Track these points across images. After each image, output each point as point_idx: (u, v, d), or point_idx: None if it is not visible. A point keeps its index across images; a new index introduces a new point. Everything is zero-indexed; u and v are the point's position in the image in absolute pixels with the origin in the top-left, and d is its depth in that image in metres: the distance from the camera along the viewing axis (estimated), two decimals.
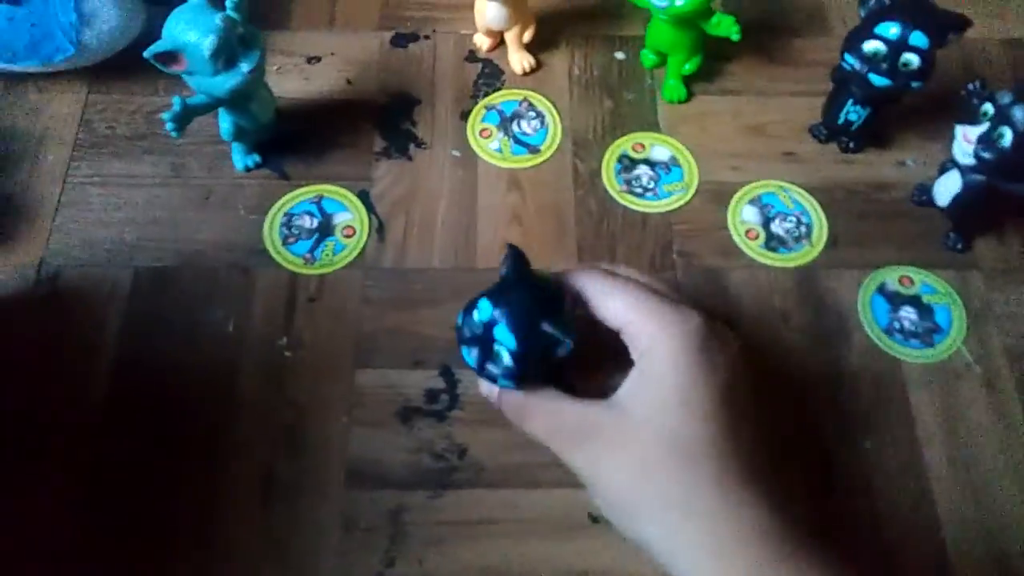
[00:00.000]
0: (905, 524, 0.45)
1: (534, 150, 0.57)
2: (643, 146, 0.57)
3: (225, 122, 0.52)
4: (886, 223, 0.54)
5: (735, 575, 0.32)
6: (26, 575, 0.43)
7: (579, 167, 0.56)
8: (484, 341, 0.36)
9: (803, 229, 0.54)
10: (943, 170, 0.52)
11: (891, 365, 0.49)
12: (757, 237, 0.53)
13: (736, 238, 0.53)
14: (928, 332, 0.50)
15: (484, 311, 0.36)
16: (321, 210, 0.54)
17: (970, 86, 0.48)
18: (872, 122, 0.54)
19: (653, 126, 0.58)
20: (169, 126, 0.48)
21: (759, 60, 0.61)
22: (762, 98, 0.59)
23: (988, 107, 0.47)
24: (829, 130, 0.57)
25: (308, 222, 0.53)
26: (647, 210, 0.54)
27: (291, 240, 0.53)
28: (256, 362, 0.49)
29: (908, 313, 0.50)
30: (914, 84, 0.50)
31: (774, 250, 0.53)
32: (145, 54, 0.46)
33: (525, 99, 0.59)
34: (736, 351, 0.36)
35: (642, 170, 0.56)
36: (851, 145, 0.56)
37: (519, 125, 0.58)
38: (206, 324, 0.50)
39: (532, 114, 0.58)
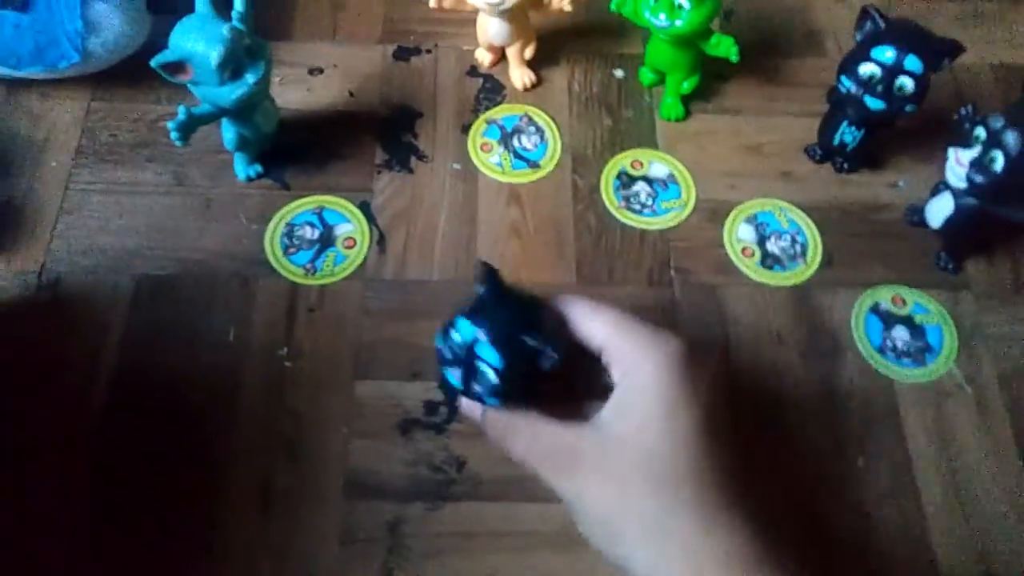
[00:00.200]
0: (896, 542, 0.45)
1: (534, 165, 0.57)
2: (641, 163, 0.58)
3: (228, 132, 0.53)
4: (879, 243, 0.55)
5: None
6: None
7: (578, 183, 0.57)
8: (467, 361, 0.35)
9: (798, 248, 0.54)
10: (935, 192, 0.53)
11: (884, 384, 0.50)
12: (753, 255, 0.54)
13: (732, 256, 0.54)
14: (920, 352, 0.51)
15: (464, 331, 0.35)
16: (322, 221, 0.54)
17: (963, 110, 0.49)
18: (866, 144, 0.55)
19: (651, 143, 0.59)
20: (174, 135, 0.49)
21: (756, 81, 0.62)
22: (759, 118, 0.60)
23: (980, 131, 0.48)
24: (824, 151, 0.58)
25: (309, 233, 0.54)
26: (645, 226, 0.55)
27: (292, 250, 0.53)
28: (256, 371, 0.49)
29: (900, 333, 0.51)
30: (908, 107, 0.51)
31: (770, 268, 0.54)
32: (152, 63, 0.47)
33: (525, 114, 0.60)
34: (716, 374, 0.37)
35: (640, 187, 0.57)
36: (846, 166, 0.57)
37: (519, 140, 0.58)
38: (207, 333, 0.50)
39: (532, 129, 0.59)
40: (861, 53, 0.51)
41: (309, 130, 0.58)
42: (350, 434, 0.47)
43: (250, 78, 0.49)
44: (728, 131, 0.59)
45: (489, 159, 0.57)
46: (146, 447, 0.46)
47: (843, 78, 0.52)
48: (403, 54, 0.62)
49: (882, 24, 0.51)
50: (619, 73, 0.62)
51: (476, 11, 0.57)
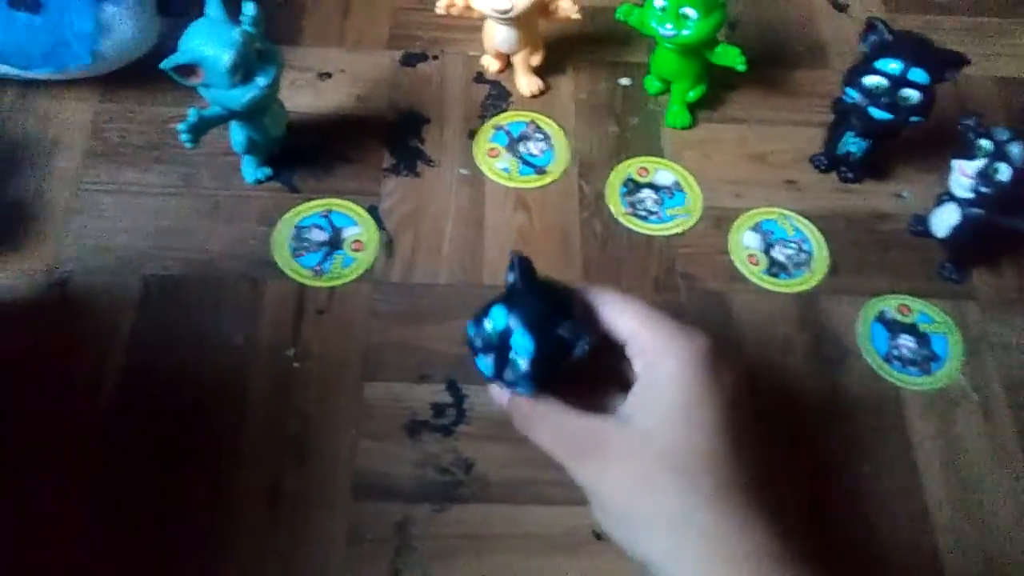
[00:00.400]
0: (903, 549, 0.46)
1: (541, 171, 0.58)
2: (647, 170, 0.58)
3: (237, 134, 0.53)
4: (885, 252, 0.55)
5: None
6: None
7: (585, 189, 0.57)
8: (499, 349, 0.36)
9: (804, 256, 0.55)
10: (939, 202, 0.53)
11: (890, 392, 0.50)
12: (759, 263, 0.54)
13: (738, 263, 0.54)
14: (926, 360, 0.51)
15: (498, 319, 0.36)
16: (331, 224, 0.54)
17: (968, 122, 0.50)
18: (871, 154, 0.56)
19: (657, 151, 0.59)
20: (184, 137, 0.49)
21: (762, 90, 0.62)
22: (764, 127, 0.61)
23: (985, 143, 0.48)
24: (829, 160, 0.58)
25: (317, 235, 0.54)
26: (651, 233, 0.55)
27: (300, 252, 0.53)
28: (264, 373, 0.49)
29: (906, 341, 0.52)
30: (913, 118, 0.52)
31: (775, 276, 0.54)
32: (163, 66, 0.47)
33: (532, 121, 0.60)
34: (741, 374, 0.37)
35: (646, 194, 0.57)
36: (850, 175, 0.58)
37: (526, 146, 0.59)
38: (215, 334, 0.50)
39: (539, 136, 0.59)
40: (866, 65, 0.52)
41: (317, 134, 0.58)
42: (358, 435, 0.47)
43: (261, 81, 0.49)
44: (734, 140, 0.60)
45: (496, 165, 0.58)
46: (153, 447, 0.46)
47: (848, 89, 0.53)
48: (411, 60, 0.63)
49: (888, 36, 0.51)
50: (625, 81, 0.63)
51: (483, 18, 0.58)
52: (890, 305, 0.53)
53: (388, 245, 0.54)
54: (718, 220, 0.56)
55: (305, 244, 0.53)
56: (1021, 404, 0.50)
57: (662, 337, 0.36)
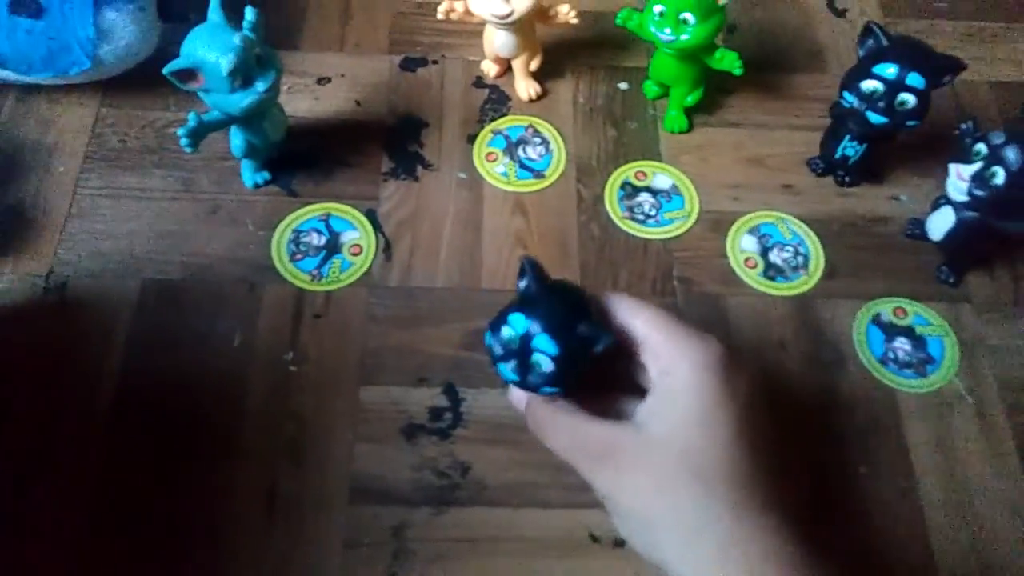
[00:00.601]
0: (898, 552, 0.46)
1: (539, 175, 0.58)
2: (645, 174, 0.58)
3: (237, 139, 0.53)
4: (881, 255, 0.55)
5: None
6: None
7: (583, 193, 0.57)
8: (520, 354, 0.36)
9: (800, 259, 0.55)
10: (936, 206, 0.53)
11: (886, 394, 0.50)
12: (756, 266, 0.55)
13: (735, 266, 0.54)
14: (922, 363, 0.51)
15: (517, 325, 0.36)
16: (329, 228, 0.55)
17: (964, 126, 0.50)
18: (868, 157, 0.56)
19: (655, 155, 0.59)
20: (184, 141, 0.49)
21: (759, 94, 0.62)
22: (761, 131, 0.61)
23: (981, 147, 0.49)
24: (826, 164, 0.58)
25: (316, 239, 0.54)
26: (648, 236, 0.56)
27: (298, 256, 0.53)
28: (262, 376, 0.49)
29: (902, 344, 0.52)
30: (910, 123, 0.52)
31: (772, 279, 0.54)
32: (164, 71, 0.47)
33: (531, 125, 0.60)
34: (754, 379, 0.37)
35: (644, 197, 0.57)
36: (847, 179, 0.58)
37: (524, 150, 0.59)
38: (213, 337, 0.50)
39: (537, 140, 0.60)
40: (863, 69, 0.52)
41: (316, 138, 0.58)
42: (355, 439, 0.47)
43: (260, 86, 0.49)
44: (731, 144, 0.60)
45: (494, 169, 0.58)
46: (151, 450, 0.47)
47: (845, 93, 0.53)
48: (410, 64, 0.63)
49: (885, 41, 0.52)
50: (623, 85, 0.63)
51: (483, 23, 0.58)
52: (886, 308, 0.53)
53: (386, 249, 0.54)
54: (715, 224, 0.56)
55: (303, 248, 0.54)
56: (1016, 406, 0.50)
57: (676, 343, 0.36)
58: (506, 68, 0.62)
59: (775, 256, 0.55)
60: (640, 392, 0.37)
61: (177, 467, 0.46)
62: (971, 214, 0.50)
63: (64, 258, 0.52)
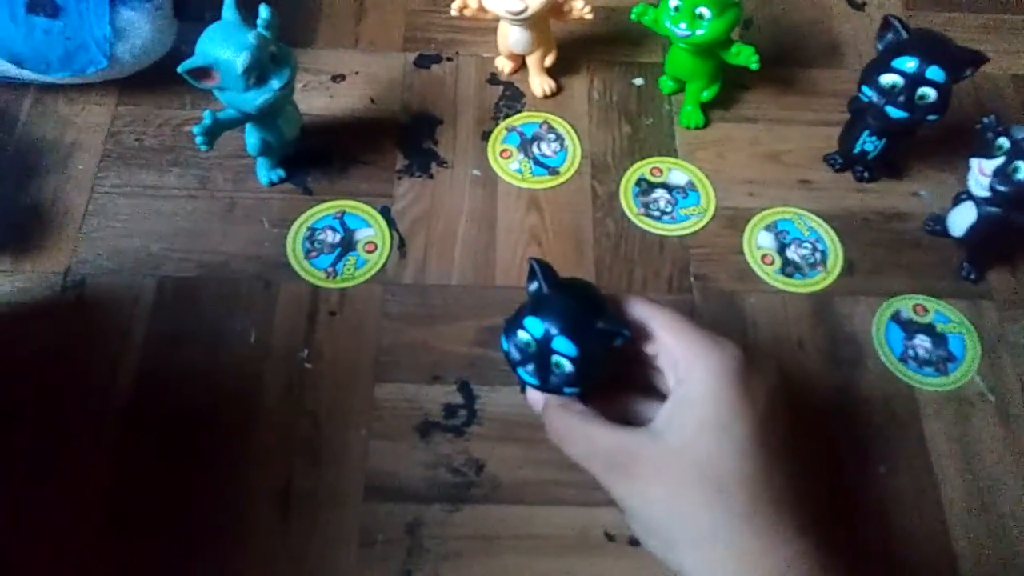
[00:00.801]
0: (919, 551, 0.45)
1: (553, 172, 0.58)
2: (661, 170, 0.58)
3: (252, 137, 0.53)
4: (900, 252, 0.55)
5: None
6: None
7: (598, 189, 0.57)
8: (539, 357, 0.36)
9: (818, 256, 0.54)
10: (957, 201, 0.53)
11: (905, 392, 0.50)
12: (773, 263, 0.54)
13: (752, 263, 0.54)
14: (942, 360, 0.50)
15: (534, 328, 0.36)
16: (343, 225, 0.55)
17: (986, 120, 0.49)
18: (887, 153, 0.55)
19: (671, 151, 0.59)
20: (199, 139, 0.49)
21: (776, 89, 0.62)
22: (778, 126, 0.60)
23: (1003, 141, 0.48)
24: (845, 159, 0.58)
25: (331, 237, 0.54)
26: (664, 233, 0.55)
27: (313, 254, 0.53)
28: (277, 373, 0.49)
29: (922, 341, 0.51)
30: (930, 117, 0.51)
31: (790, 276, 0.53)
32: (179, 69, 0.47)
33: (545, 121, 0.60)
34: (774, 386, 0.37)
35: (660, 194, 0.57)
36: (866, 175, 0.57)
37: (539, 147, 0.59)
38: (228, 335, 0.50)
39: (552, 136, 0.59)
40: (883, 63, 0.51)
41: (331, 136, 0.58)
42: (369, 436, 0.47)
43: (275, 84, 0.49)
44: (748, 139, 0.60)
45: (509, 166, 0.58)
46: (167, 447, 0.47)
47: (864, 87, 0.52)
48: (424, 62, 0.63)
49: (904, 34, 0.51)
50: (639, 81, 0.62)
51: (497, 20, 0.58)
52: (906, 305, 0.52)
53: (400, 246, 0.54)
54: (732, 220, 0.56)
55: (318, 246, 0.54)
56: None
57: (694, 350, 0.36)
58: (520, 64, 0.62)
59: (792, 253, 0.54)
60: (656, 393, 0.37)
61: (192, 464, 0.46)
62: (993, 209, 0.50)
63: (82, 256, 0.53)
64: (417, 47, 0.63)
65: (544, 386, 0.37)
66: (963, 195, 0.52)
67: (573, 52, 0.63)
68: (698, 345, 0.36)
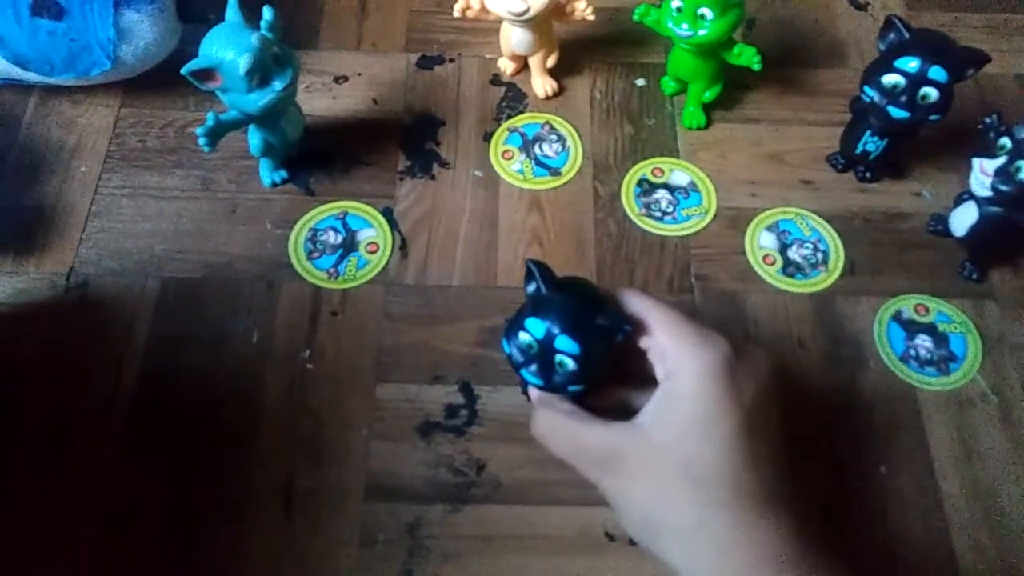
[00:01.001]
0: (918, 550, 0.45)
1: (555, 172, 0.58)
2: (662, 171, 0.58)
3: (254, 138, 0.53)
4: (902, 252, 0.55)
5: None
6: None
7: (599, 190, 0.57)
8: (542, 356, 0.36)
9: (820, 256, 0.54)
10: (959, 201, 0.53)
11: (907, 392, 0.49)
12: (774, 263, 0.54)
13: (753, 263, 0.54)
14: (944, 360, 0.50)
15: (536, 329, 0.36)
16: (345, 226, 0.55)
17: (988, 120, 0.49)
18: (889, 153, 0.55)
19: (673, 152, 0.59)
20: (202, 140, 0.49)
21: (778, 90, 0.62)
22: (780, 126, 0.60)
23: (1006, 141, 0.48)
24: (846, 159, 0.57)
25: (333, 237, 0.54)
26: (666, 233, 0.55)
27: (315, 255, 0.54)
28: (279, 374, 0.49)
29: (924, 341, 0.51)
30: (932, 117, 0.51)
31: (791, 276, 0.53)
32: (182, 71, 0.47)
33: (547, 122, 0.60)
34: (764, 380, 0.37)
35: (661, 194, 0.57)
36: (868, 175, 0.57)
37: (541, 148, 0.59)
38: (231, 335, 0.50)
39: (554, 137, 0.59)
40: (885, 63, 0.51)
41: (333, 137, 0.59)
42: (371, 436, 0.47)
43: (277, 85, 0.49)
44: (750, 140, 0.60)
45: (511, 166, 0.58)
46: (169, 447, 0.47)
47: (866, 88, 0.52)
48: (427, 63, 0.63)
49: (906, 34, 0.51)
50: (641, 82, 0.62)
51: (499, 21, 0.58)
52: (907, 305, 0.52)
53: (402, 247, 0.54)
54: (733, 220, 0.56)
55: (320, 246, 0.54)
56: None
57: (683, 345, 0.36)
58: (523, 65, 0.62)
59: (794, 253, 0.54)
60: (650, 381, 0.37)
61: (194, 464, 0.47)
62: (995, 209, 0.50)
63: (85, 257, 0.53)
64: (419, 48, 0.64)
65: (548, 386, 0.37)
66: (965, 195, 0.52)
67: (575, 53, 0.63)
68: (687, 340, 0.36)
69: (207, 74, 0.48)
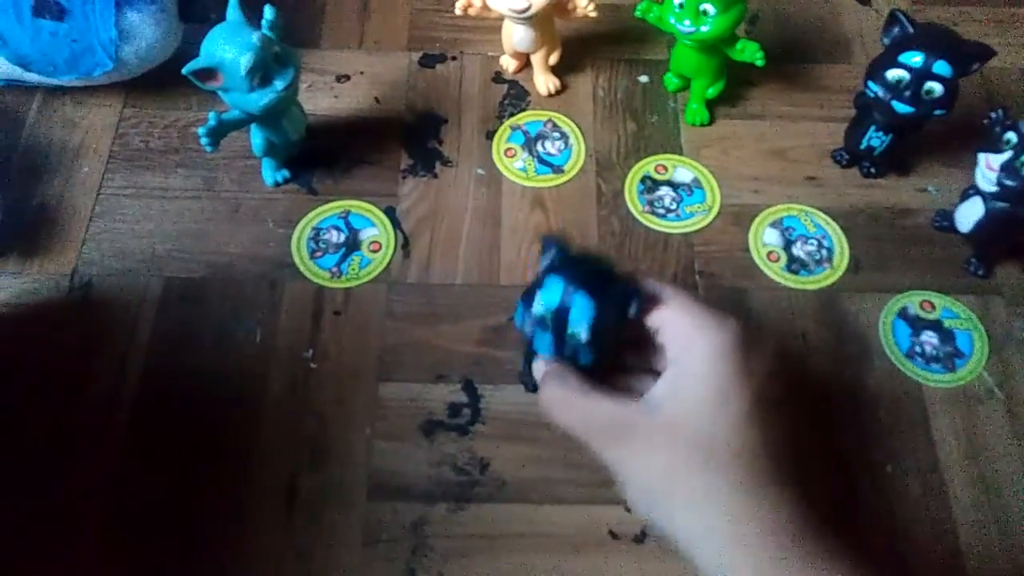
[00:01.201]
0: (925, 547, 0.45)
1: (558, 170, 0.58)
2: (666, 168, 0.58)
3: (257, 138, 0.53)
4: (907, 248, 0.54)
5: (757, 566, 0.33)
6: None
7: (602, 187, 0.57)
8: (556, 324, 0.37)
9: (824, 252, 0.54)
10: (964, 197, 0.52)
11: (912, 389, 0.49)
12: (778, 259, 0.54)
13: (757, 260, 0.54)
14: (950, 357, 0.50)
15: (551, 296, 0.36)
16: (348, 225, 0.55)
17: (993, 115, 0.49)
18: (894, 148, 0.55)
19: (676, 148, 0.59)
20: (204, 140, 0.49)
21: (782, 86, 0.61)
22: (784, 123, 0.60)
23: (1011, 135, 0.47)
24: (851, 155, 0.57)
25: (335, 237, 0.54)
26: (669, 230, 0.55)
27: (318, 254, 0.53)
28: (282, 373, 0.49)
29: (929, 337, 0.51)
30: (937, 112, 0.51)
31: (795, 273, 0.53)
32: (183, 71, 0.47)
33: (550, 120, 0.60)
34: (771, 361, 0.37)
35: (665, 191, 0.57)
36: (873, 170, 0.57)
37: (543, 145, 0.59)
38: (234, 334, 0.50)
39: (556, 135, 0.59)
40: (889, 58, 0.51)
41: (336, 136, 0.59)
42: (374, 435, 0.47)
43: (278, 84, 0.49)
44: (753, 136, 0.59)
45: (513, 164, 0.58)
46: (172, 447, 0.47)
47: (870, 83, 0.52)
48: (429, 61, 0.63)
49: (910, 29, 0.51)
50: (644, 79, 0.62)
51: (501, 18, 0.58)
52: (913, 301, 0.52)
53: (405, 246, 0.54)
54: (737, 217, 0.56)
55: (323, 246, 0.54)
56: None
57: (696, 324, 0.36)
58: (525, 63, 0.62)
59: (798, 249, 0.54)
60: (652, 374, 0.37)
61: (198, 463, 0.47)
62: (1001, 204, 0.49)
63: (88, 257, 0.53)
64: (422, 47, 0.64)
65: (560, 355, 0.37)
66: (971, 190, 0.51)
67: (577, 50, 0.62)
68: (700, 320, 0.36)
69: (208, 74, 0.48)
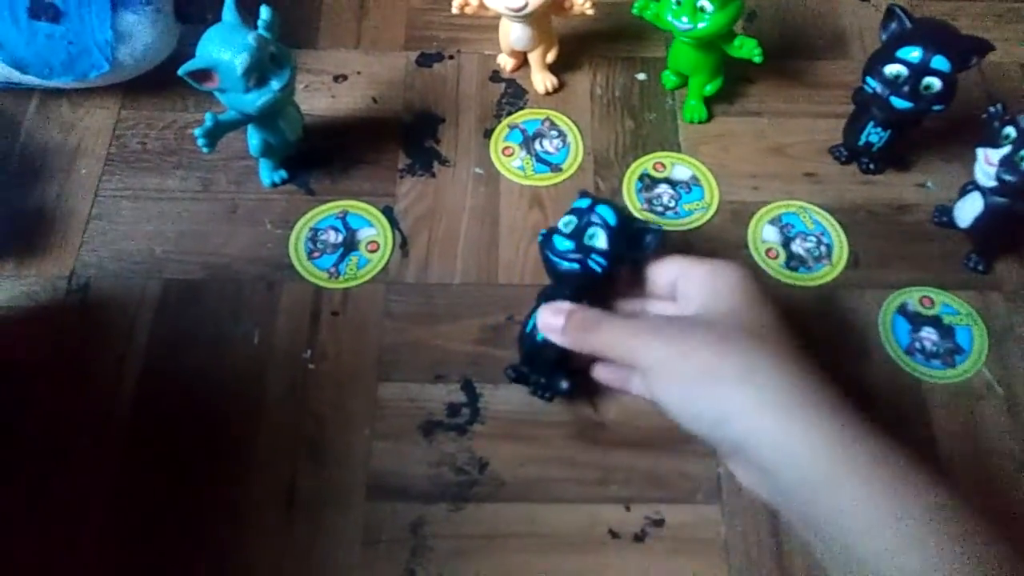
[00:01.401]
0: None
1: (556, 168, 0.57)
2: (664, 165, 0.58)
3: (254, 138, 0.53)
4: (907, 244, 0.54)
5: (809, 429, 0.34)
6: None
7: (600, 185, 0.57)
8: (577, 233, 0.42)
9: (823, 249, 0.54)
10: (964, 192, 0.52)
11: (912, 385, 0.49)
12: (777, 256, 0.54)
13: (757, 257, 0.54)
14: (949, 353, 0.50)
15: (582, 203, 0.43)
16: (346, 225, 0.55)
17: (992, 109, 0.49)
18: (893, 144, 0.55)
19: (674, 146, 0.58)
20: (200, 141, 0.49)
21: (780, 82, 0.61)
22: (782, 119, 0.60)
23: (1010, 130, 0.47)
24: (850, 151, 0.57)
25: (333, 237, 0.54)
26: (668, 228, 0.55)
27: (316, 254, 0.53)
28: (280, 374, 0.49)
29: (929, 334, 0.51)
30: (935, 107, 0.50)
31: (794, 270, 0.53)
32: (179, 72, 0.47)
33: (547, 118, 0.60)
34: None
35: (663, 189, 0.57)
36: (871, 166, 0.57)
37: (541, 144, 0.59)
38: (232, 336, 0.50)
39: (554, 133, 0.59)
40: (887, 53, 0.51)
41: (333, 136, 0.58)
42: (373, 436, 0.47)
43: (275, 85, 0.49)
44: (751, 133, 0.59)
45: (511, 163, 0.58)
46: (171, 448, 0.47)
47: (869, 78, 0.51)
48: (426, 60, 0.63)
49: (908, 23, 0.50)
50: (641, 76, 0.62)
51: (498, 17, 0.58)
52: (912, 297, 0.52)
53: (403, 246, 0.54)
54: (736, 214, 0.55)
55: (321, 246, 0.54)
56: None
57: (708, 269, 0.40)
58: (522, 61, 0.62)
59: (797, 246, 0.54)
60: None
61: (196, 465, 0.47)
62: (1000, 200, 0.49)
63: (86, 259, 0.53)
64: (419, 46, 0.63)
65: (572, 260, 0.42)
66: (970, 186, 0.51)
67: (575, 48, 0.62)
68: (711, 265, 0.40)
69: (204, 75, 0.48)
